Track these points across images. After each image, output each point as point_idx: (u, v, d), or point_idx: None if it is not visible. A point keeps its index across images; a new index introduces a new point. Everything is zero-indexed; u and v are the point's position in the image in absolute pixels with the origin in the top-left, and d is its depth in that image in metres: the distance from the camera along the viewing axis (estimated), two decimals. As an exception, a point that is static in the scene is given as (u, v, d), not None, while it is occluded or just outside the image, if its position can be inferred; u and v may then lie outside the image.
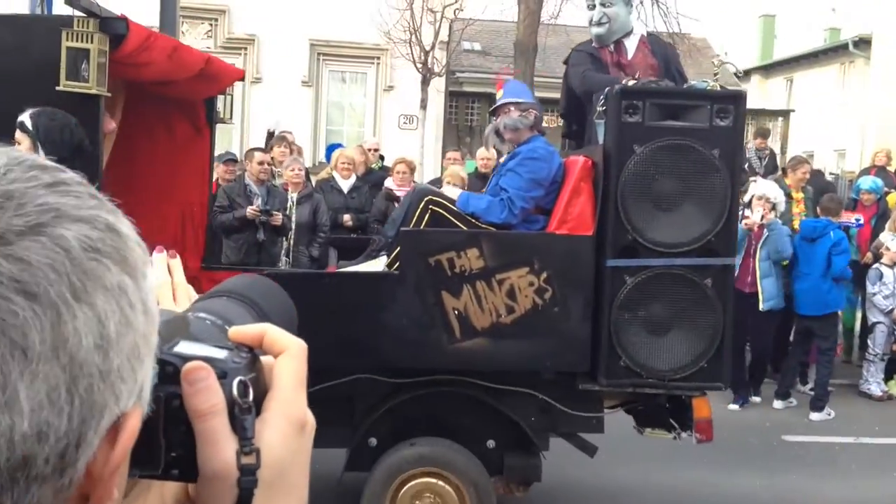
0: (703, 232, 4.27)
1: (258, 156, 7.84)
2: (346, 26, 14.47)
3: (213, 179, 8.55)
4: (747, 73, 28.61)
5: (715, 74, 4.90)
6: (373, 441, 4.52)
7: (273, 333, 0.74)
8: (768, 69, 29.36)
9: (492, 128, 4.93)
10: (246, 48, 14.86)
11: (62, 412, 0.52)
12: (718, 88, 4.50)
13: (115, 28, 3.83)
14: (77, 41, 3.70)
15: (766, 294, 7.78)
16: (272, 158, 9.55)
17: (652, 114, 4.25)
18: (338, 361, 4.25)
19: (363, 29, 14.09)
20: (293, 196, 7.98)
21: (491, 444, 4.61)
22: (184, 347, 0.68)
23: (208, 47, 14.57)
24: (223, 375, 0.67)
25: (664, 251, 4.28)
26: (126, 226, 0.60)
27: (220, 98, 5.15)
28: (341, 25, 14.54)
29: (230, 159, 8.86)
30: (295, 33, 14.63)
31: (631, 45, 5.22)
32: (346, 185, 9.07)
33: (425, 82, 14.55)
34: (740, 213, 7.64)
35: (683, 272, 4.28)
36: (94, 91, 3.73)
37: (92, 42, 3.71)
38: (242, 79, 5.24)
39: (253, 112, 14.85)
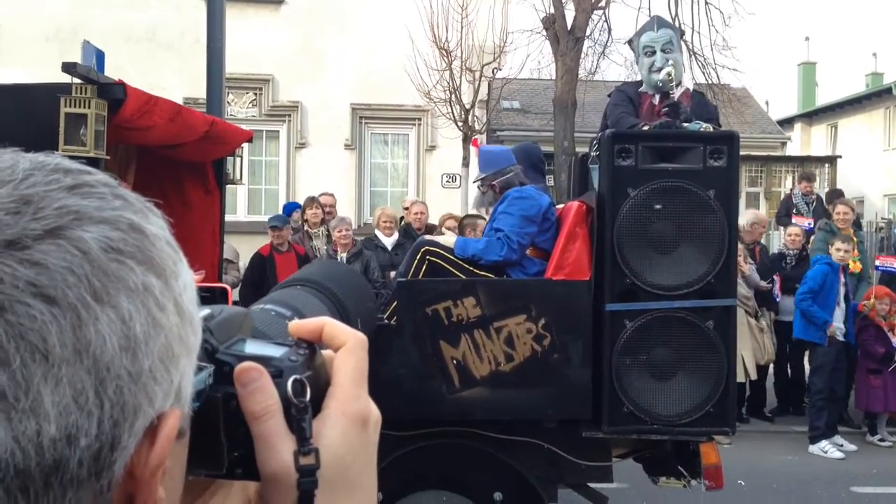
0: (703, 273, 4.20)
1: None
2: (387, 89, 14.76)
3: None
4: (790, 121, 28.30)
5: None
6: (378, 495, 4.48)
7: (331, 327, 0.73)
8: (811, 117, 29.03)
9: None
10: (290, 115, 15.22)
11: (91, 415, 0.52)
12: (711, 129, 4.47)
13: (113, 93, 3.98)
14: (75, 107, 3.86)
15: None
16: (305, 220, 9.74)
17: (645, 157, 4.23)
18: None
19: (403, 91, 14.35)
20: (342, 256, 8.10)
21: (498, 496, 4.53)
22: (241, 346, 0.68)
23: (254, 115, 15.00)
24: (278, 374, 0.66)
25: (663, 294, 4.21)
26: (155, 225, 0.59)
27: (230, 159, 5.29)
28: (382, 89, 14.83)
29: (274, 226, 8.98)
30: (337, 98, 14.97)
31: (677, 96, 5.20)
32: (389, 242, 9.19)
33: (466, 140, 14.69)
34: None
35: (684, 314, 4.21)
36: (91, 154, 3.87)
37: (89, 107, 3.87)
38: (251, 140, 5.36)
39: (298, 176, 15.17)
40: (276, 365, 0.67)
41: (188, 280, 0.61)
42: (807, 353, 8.88)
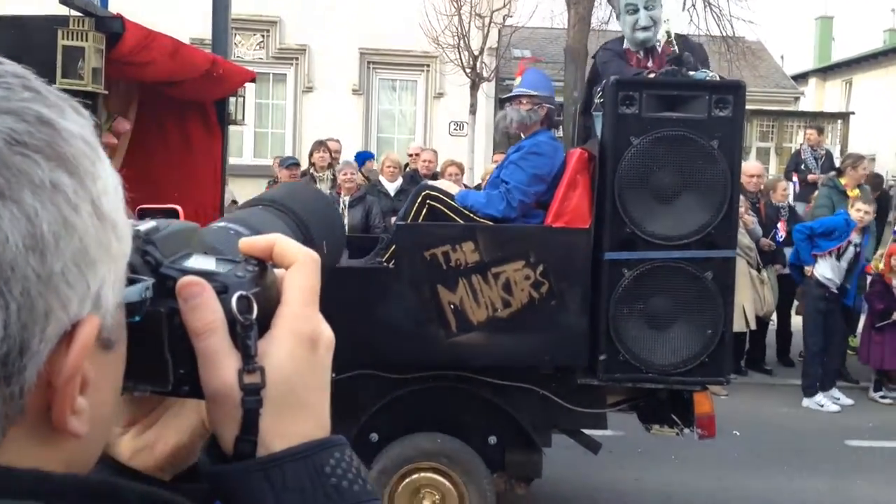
0: (703, 224, 4.18)
1: None
2: (396, 34, 14.59)
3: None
4: (804, 76, 27.92)
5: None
6: (374, 436, 4.51)
7: (283, 245, 0.69)
8: (826, 72, 28.55)
9: (500, 118, 4.86)
10: (297, 58, 15.07)
11: None
12: (717, 77, 4.40)
13: (110, 27, 3.92)
14: (72, 40, 3.81)
15: None
16: (313, 164, 9.72)
17: (649, 105, 4.18)
18: (337, 357, 4.26)
19: (412, 36, 14.17)
20: (345, 199, 8.08)
21: (492, 440, 4.57)
22: (186, 261, 0.65)
23: (260, 58, 14.84)
24: (224, 290, 0.64)
25: (663, 244, 4.20)
26: (72, 122, 0.55)
27: (232, 100, 5.23)
28: (390, 34, 14.66)
29: (294, 163, 8.96)
30: (345, 42, 14.80)
31: (660, 49, 5.11)
32: (392, 187, 9.17)
33: (474, 87, 14.55)
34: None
35: (683, 265, 4.19)
36: (89, 88, 3.82)
37: (87, 40, 3.81)
38: (254, 80, 5.29)
39: (305, 120, 15.08)
40: (221, 280, 0.64)
41: (111, 183, 0.57)
42: (795, 305, 8.90)
